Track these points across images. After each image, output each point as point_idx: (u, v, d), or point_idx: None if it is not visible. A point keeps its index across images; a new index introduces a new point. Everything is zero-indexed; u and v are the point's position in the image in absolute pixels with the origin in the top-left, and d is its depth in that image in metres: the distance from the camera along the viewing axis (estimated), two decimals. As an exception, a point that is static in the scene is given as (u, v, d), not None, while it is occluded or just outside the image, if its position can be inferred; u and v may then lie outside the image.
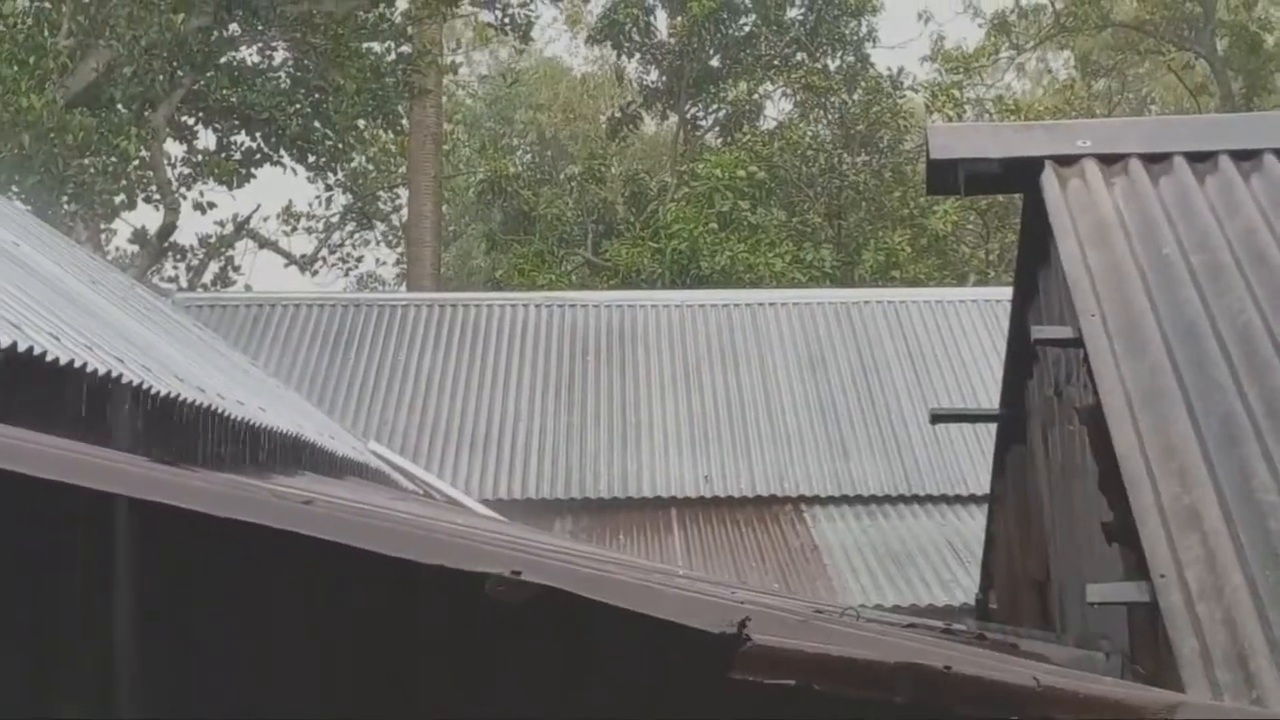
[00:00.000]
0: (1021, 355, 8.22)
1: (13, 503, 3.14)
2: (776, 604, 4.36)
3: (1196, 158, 6.81)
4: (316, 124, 24.94)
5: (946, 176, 7.19)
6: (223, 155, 25.69)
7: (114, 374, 5.04)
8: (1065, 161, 6.83)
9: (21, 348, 4.25)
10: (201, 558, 3.19)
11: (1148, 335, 5.71)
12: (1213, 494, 5.01)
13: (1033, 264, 7.57)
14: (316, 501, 3.50)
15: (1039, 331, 6.51)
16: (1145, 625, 5.23)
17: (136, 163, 21.00)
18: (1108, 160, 6.82)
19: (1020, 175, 7.03)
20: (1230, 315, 5.76)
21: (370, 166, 32.46)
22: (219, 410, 6.40)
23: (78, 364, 4.70)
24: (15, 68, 18.55)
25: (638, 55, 32.91)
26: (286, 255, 34.03)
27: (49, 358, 4.45)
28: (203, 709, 3.19)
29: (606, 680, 3.13)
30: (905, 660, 2.84)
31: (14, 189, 18.99)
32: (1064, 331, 6.18)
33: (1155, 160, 6.82)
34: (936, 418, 11.27)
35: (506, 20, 26.31)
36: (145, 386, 5.33)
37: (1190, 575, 4.75)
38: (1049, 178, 6.75)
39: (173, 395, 5.67)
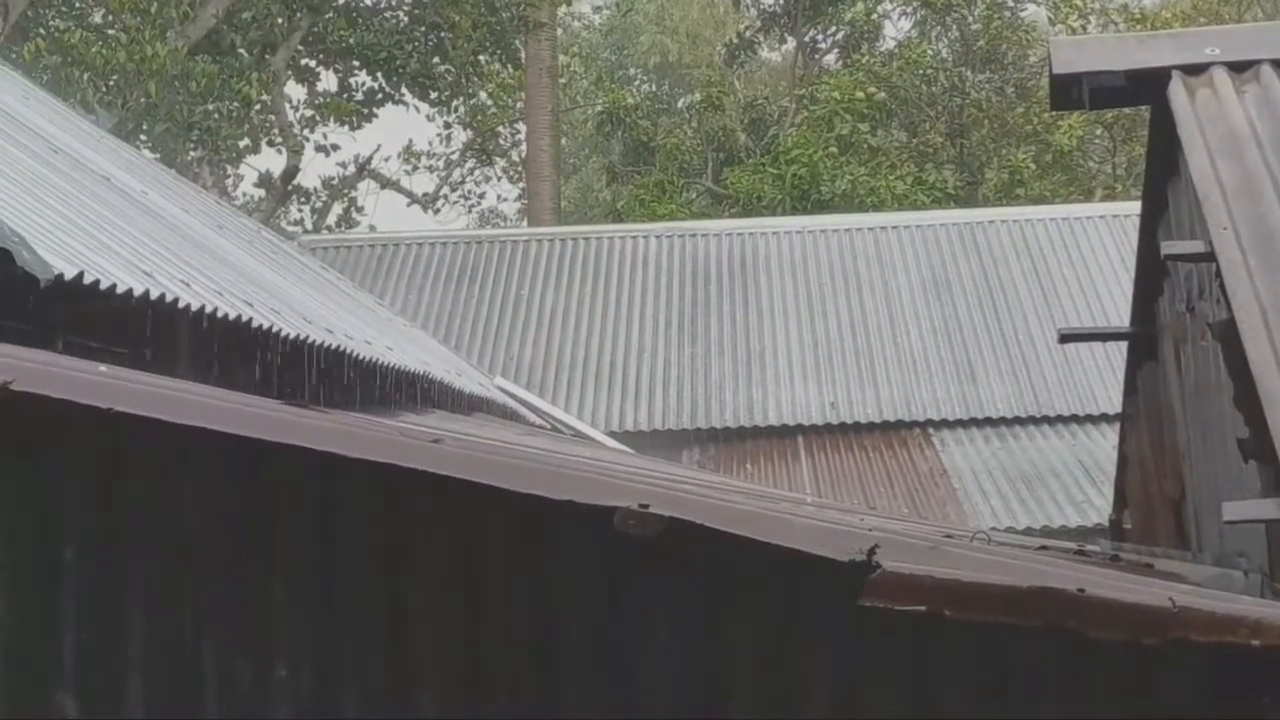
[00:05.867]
0: (1151, 271, 8.05)
1: (133, 444, 3.20)
2: (906, 530, 4.35)
3: (1332, 62, 6.59)
4: (436, 60, 25.06)
5: (1070, 91, 7.03)
6: (344, 96, 25.92)
7: (244, 318, 5.13)
8: (1193, 71, 6.64)
9: (154, 295, 4.34)
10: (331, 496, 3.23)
11: (1283, 247, 5.55)
12: (1352, 410, 4.88)
13: (1161, 177, 7.40)
14: (445, 439, 3.54)
15: (1169, 247, 6.35)
16: (1285, 543, 5.14)
17: (259, 107, 21.28)
18: (1238, 68, 6.62)
19: (1147, 87, 6.84)
20: (1368, 225, 5.59)
21: (489, 102, 32.58)
22: (347, 351, 6.50)
23: (208, 309, 4.79)
24: (138, 17, 18.84)
25: (754, -22, 32.57)
26: (408, 194, 34.38)
27: (180, 304, 4.53)
28: (346, 652, 3.24)
29: (739, 611, 3.13)
30: (1038, 584, 2.82)
31: (142, 137, 19.35)
32: (1195, 246, 6.02)
33: (1288, 66, 6.60)
34: (1065, 337, 11.05)
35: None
36: (275, 329, 5.42)
37: (1330, 492, 4.65)
38: (1176, 89, 6.56)
39: (302, 337, 5.76)
